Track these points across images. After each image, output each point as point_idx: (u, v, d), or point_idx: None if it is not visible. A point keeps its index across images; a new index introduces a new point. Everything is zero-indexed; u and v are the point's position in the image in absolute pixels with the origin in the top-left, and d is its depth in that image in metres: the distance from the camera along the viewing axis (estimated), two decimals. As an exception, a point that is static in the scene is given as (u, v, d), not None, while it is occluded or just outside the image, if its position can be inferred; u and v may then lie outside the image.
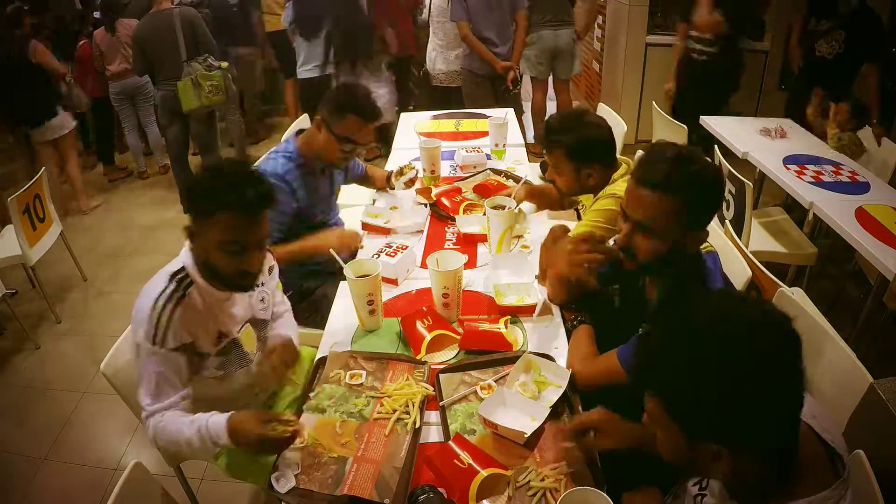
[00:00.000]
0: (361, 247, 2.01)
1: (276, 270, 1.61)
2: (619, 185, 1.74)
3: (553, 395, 1.35)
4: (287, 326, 1.64)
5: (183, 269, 1.35)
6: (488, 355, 1.49)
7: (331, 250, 1.66)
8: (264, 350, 1.55)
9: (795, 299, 1.72)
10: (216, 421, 1.25)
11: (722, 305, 0.82)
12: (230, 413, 1.27)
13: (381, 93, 3.94)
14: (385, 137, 4.16)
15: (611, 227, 1.70)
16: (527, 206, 2.21)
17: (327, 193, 2.17)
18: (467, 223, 2.06)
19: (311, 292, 2.09)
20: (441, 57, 4.15)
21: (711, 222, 1.30)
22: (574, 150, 1.76)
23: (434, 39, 4.16)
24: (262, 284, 1.54)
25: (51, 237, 3.14)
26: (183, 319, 1.31)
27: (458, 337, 1.55)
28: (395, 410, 1.33)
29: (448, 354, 1.53)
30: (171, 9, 3.78)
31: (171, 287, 1.32)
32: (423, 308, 1.63)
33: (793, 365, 0.77)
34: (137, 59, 3.86)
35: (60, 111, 3.97)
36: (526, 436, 1.23)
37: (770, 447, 0.80)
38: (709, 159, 1.25)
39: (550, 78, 4.55)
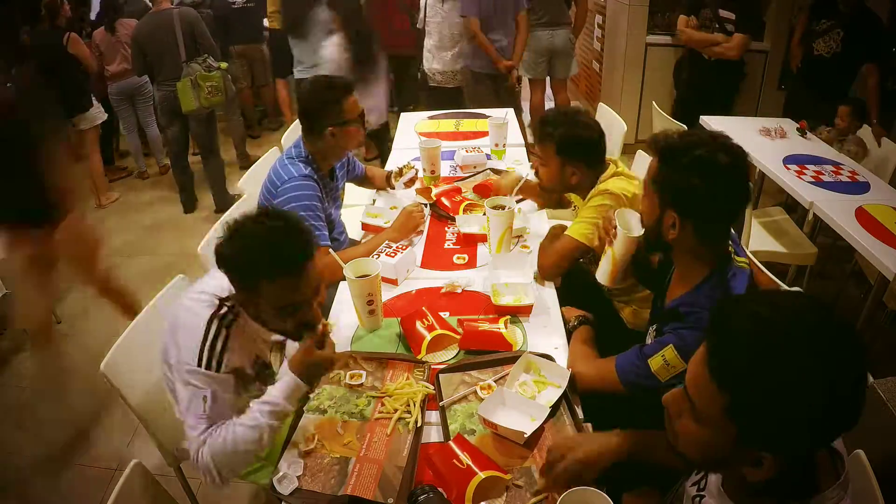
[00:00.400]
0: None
1: None
2: (611, 183, 1.75)
3: (553, 395, 1.36)
4: None
5: (230, 297, 1.30)
6: (488, 355, 1.49)
7: (330, 250, 1.66)
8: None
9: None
10: (277, 392, 1.24)
11: (807, 312, 0.77)
12: (284, 367, 1.27)
13: (377, 93, 3.93)
14: (383, 138, 4.15)
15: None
16: (527, 205, 2.21)
17: (336, 192, 2.17)
18: (467, 223, 2.06)
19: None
20: (436, 57, 4.13)
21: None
22: (562, 144, 1.77)
23: (428, 40, 4.14)
24: None
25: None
26: (238, 342, 1.28)
27: (458, 337, 1.55)
28: (396, 410, 1.33)
29: (448, 354, 1.53)
30: (171, 9, 3.77)
31: (224, 309, 1.27)
32: (423, 308, 1.63)
33: (863, 380, 0.74)
34: (136, 59, 3.85)
35: (94, 102, 4.05)
36: (526, 436, 1.23)
37: (808, 454, 0.80)
38: (739, 153, 1.24)
39: (548, 79, 4.56)
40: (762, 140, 3.14)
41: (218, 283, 1.30)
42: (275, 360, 1.52)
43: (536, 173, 1.91)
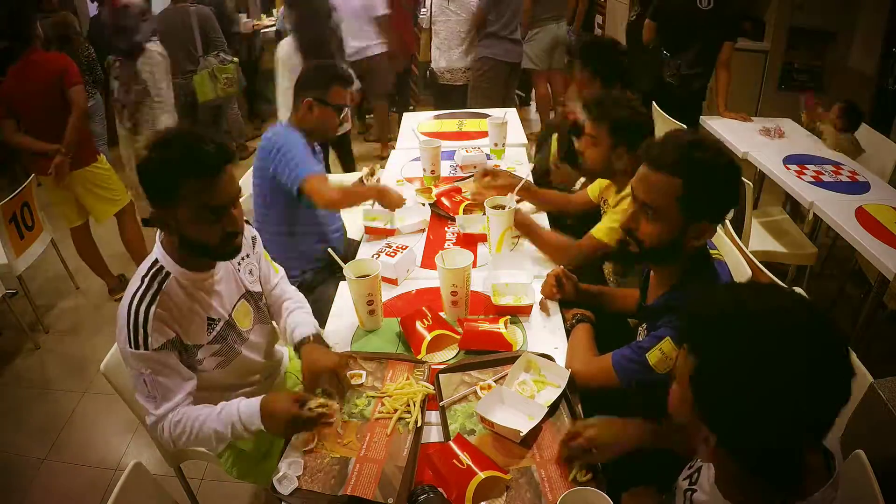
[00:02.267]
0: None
1: (259, 241, 1.59)
2: None
3: (552, 394, 1.36)
4: (306, 324, 1.55)
5: (155, 262, 1.31)
6: (488, 355, 1.49)
7: (330, 250, 1.66)
8: (261, 320, 1.56)
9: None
10: (248, 406, 1.28)
11: (780, 299, 0.79)
12: (261, 398, 1.29)
13: None
14: (346, 149, 4.15)
15: None
16: (527, 205, 2.21)
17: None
18: (467, 223, 2.06)
19: (311, 290, 2.09)
20: (444, 56, 4.22)
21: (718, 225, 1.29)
22: (619, 125, 1.76)
23: (436, 39, 4.24)
24: (248, 256, 1.52)
25: (40, 245, 3.09)
26: (163, 316, 1.28)
27: (458, 337, 1.55)
28: (395, 410, 1.33)
29: (448, 354, 1.53)
30: (187, 5, 4.00)
31: (144, 286, 1.28)
32: (423, 308, 1.63)
33: (843, 372, 0.74)
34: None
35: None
36: (522, 434, 1.23)
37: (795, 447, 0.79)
38: (730, 153, 1.24)
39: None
40: (762, 140, 3.14)
41: (148, 258, 1.34)
42: (243, 315, 1.48)
43: (581, 154, 1.89)
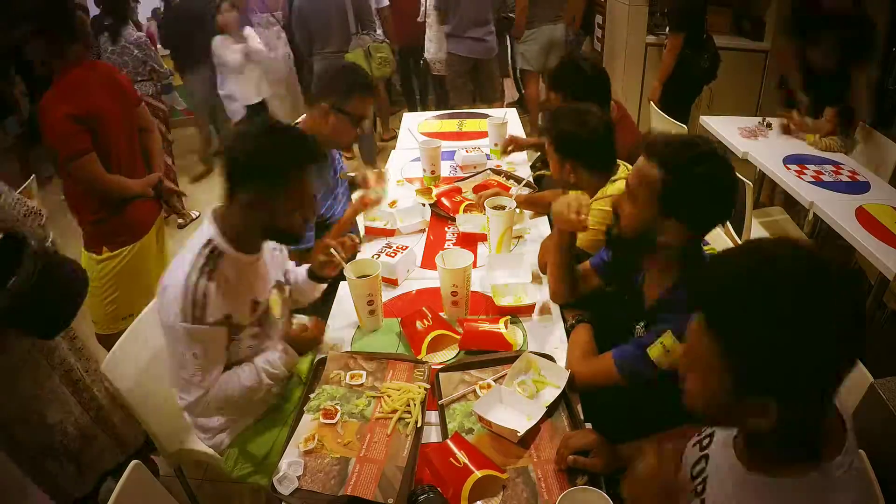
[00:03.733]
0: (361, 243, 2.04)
1: None
2: (614, 187, 1.74)
3: (551, 395, 1.36)
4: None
5: (209, 241, 1.34)
6: (488, 355, 1.49)
7: (332, 250, 1.66)
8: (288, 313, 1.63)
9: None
10: (272, 357, 1.46)
11: (799, 253, 0.77)
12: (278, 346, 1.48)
13: None
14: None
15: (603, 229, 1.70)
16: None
17: (333, 184, 2.15)
18: (467, 223, 2.07)
19: None
20: (435, 47, 4.36)
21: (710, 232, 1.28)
22: (558, 141, 1.77)
23: (429, 31, 4.33)
24: (277, 248, 1.60)
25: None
26: (219, 293, 1.31)
27: (458, 337, 1.55)
28: (395, 410, 1.33)
29: (448, 354, 1.53)
30: None
31: (202, 261, 1.31)
32: (423, 308, 1.63)
33: (857, 316, 0.74)
34: (299, 29, 3.96)
35: None
36: (519, 434, 1.23)
37: (815, 404, 0.77)
38: (725, 161, 1.22)
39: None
40: (762, 140, 3.14)
41: (198, 238, 1.36)
42: (275, 303, 1.54)
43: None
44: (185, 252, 1.34)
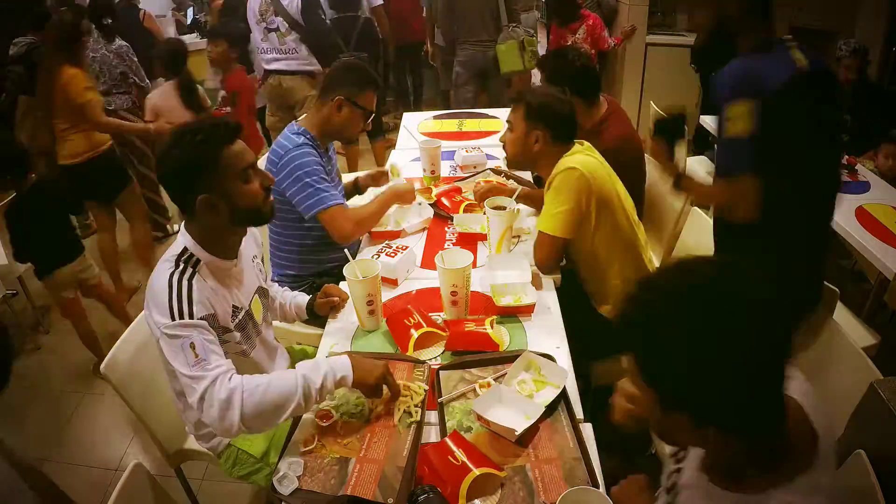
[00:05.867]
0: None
1: (260, 240, 1.66)
2: (573, 160, 1.76)
3: (550, 394, 1.36)
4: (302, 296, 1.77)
5: (185, 249, 1.34)
6: (486, 354, 1.49)
7: (346, 251, 1.66)
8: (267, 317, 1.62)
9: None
10: (336, 358, 1.31)
11: (717, 271, 0.77)
12: (347, 355, 1.33)
13: None
14: None
15: (577, 201, 1.73)
16: (525, 206, 2.21)
17: (332, 172, 2.14)
18: (465, 222, 2.07)
19: (320, 289, 2.08)
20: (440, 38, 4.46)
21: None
22: (532, 108, 1.81)
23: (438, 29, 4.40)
24: (257, 255, 1.59)
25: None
26: (201, 292, 1.30)
27: (445, 334, 1.55)
28: (396, 410, 1.33)
29: (436, 351, 1.54)
30: None
31: (181, 267, 1.31)
32: (408, 306, 1.64)
33: (777, 335, 0.74)
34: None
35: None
36: (517, 433, 1.23)
37: (746, 424, 0.77)
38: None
39: None
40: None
41: (173, 248, 1.36)
42: (256, 308, 1.53)
43: (503, 145, 1.94)
44: (162, 262, 1.34)
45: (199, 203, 1.30)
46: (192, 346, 1.23)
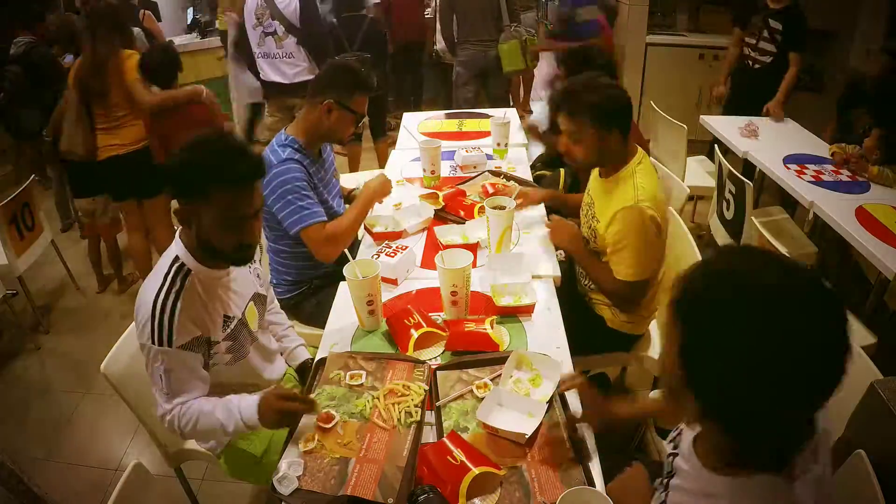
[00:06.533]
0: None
1: (264, 245, 1.64)
2: (642, 180, 1.69)
3: (548, 389, 1.36)
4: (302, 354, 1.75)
5: (177, 258, 1.33)
6: (483, 354, 1.49)
7: (345, 250, 1.66)
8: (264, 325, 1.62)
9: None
10: (248, 405, 1.32)
11: (772, 270, 0.73)
12: (258, 395, 1.32)
13: None
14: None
15: (650, 243, 1.68)
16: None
17: (329, 173, 2.13)
18: (472, 227, 2.05)
19: (320, 290, 2.08)
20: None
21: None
22: (603, 112, 1.67)
23: (440, 28, 4.44)
24: (257, 261, 1.57)
25: (40, 245, 3.09)
26: (188, 313, 1.30)
27: (445, 334, 1.55)
28: (395, 410, 1.33)
29: (436, 351, 1.54)
30: None
31: (168, 283, 1.30)
32: (408, 306, 1.63)
33: (834, 342, 0.70)
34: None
35: None
36: (527, 436, 1.23)
37: (753, 440, 0.77)
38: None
39: None
40: (763, 139, 3.14)
41: (167, 255, 1.35)
42: (251, 315, 1.52)
43: (566, 155, 1.80)
44: (155, 270, 1.34)
45: (184, 212, 1.29)
46: (161, 376, 1.31)
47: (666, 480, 0.98)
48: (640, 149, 1.80)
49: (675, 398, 0.82)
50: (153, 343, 1.27)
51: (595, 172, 1.89)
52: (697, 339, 0.74)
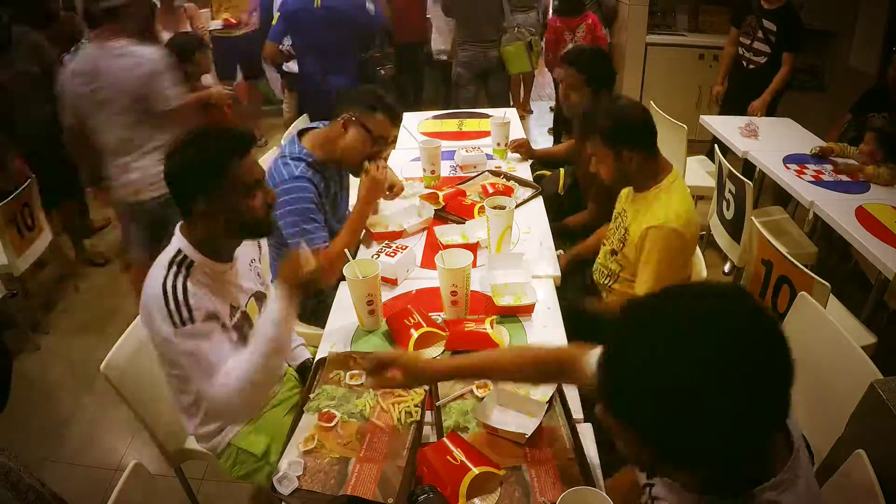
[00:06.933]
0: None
1: (264, 247, 1.66)
2: (676, 203, 1.71)
3: (549, 389, 1.36)
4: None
5: (179, 251, 1.34)
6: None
7: (346, 252, 1.66)
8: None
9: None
10: (266, 313, 1.33)
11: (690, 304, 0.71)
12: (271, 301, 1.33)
13: None
14: None
15: (678, 261, 1.71)
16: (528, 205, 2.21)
17: (341, 204, 2.09)
18: (472, 227, 2.06)
19: (320, 290, 2.06)
20: (440, 40, 4.68)
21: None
22: (609, 133, 1.70)
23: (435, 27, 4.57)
24: (256, 260, 1.58)
25: (40, 245, 3.07)
26: (198, 293, 1.30)
27: (445, 334, 1.55)
28: (396, 410, 1.33)
29: (436, 351, 1.53)
30: None
31: (173, 269, 1.31)
32: (408, 306, 1.63)
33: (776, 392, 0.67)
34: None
35: None
36: (527, 436, 1.23)
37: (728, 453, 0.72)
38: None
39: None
40: (762, 139, 3.14)
41: (167, 251, 1.35)
42: (252, 312, 1.52)
43: (595, 177, 1.82)
44: (155, 266, 1.34)
45: (200, 209, 1.31)
46: (200, 353, 1.28)
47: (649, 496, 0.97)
48: (674, 168, 1.80)
49: (634, 454, 0.77)
50: (175, 326, 1.25)
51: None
52: (626, 392, 0.71)
